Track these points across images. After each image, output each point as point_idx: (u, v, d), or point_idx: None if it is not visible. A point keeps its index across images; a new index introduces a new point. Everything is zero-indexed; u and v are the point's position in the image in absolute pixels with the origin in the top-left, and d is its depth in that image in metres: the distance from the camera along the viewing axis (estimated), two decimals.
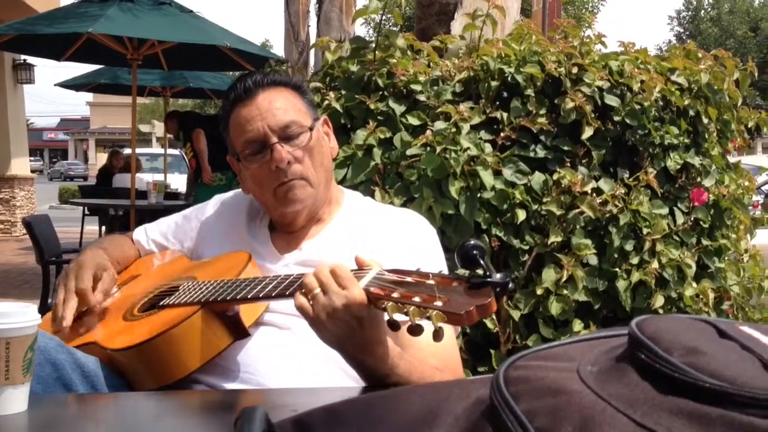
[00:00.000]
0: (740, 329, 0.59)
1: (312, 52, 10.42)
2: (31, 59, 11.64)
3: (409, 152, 2.33)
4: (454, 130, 2.31)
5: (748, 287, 2.83)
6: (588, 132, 2.41)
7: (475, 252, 0.98)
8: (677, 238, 2.56)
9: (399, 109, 2.40)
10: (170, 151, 15.29)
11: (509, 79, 2.45)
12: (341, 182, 2.25)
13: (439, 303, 0.96)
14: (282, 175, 1.42)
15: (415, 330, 0.98)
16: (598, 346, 0.64)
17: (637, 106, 2.49)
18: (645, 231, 2.43)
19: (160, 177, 10.96)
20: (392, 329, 1.02)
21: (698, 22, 34.69)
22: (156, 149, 24.93)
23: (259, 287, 1.23)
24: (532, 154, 2.41)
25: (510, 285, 0.98)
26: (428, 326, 0.98)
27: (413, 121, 2.39)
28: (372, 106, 2.41)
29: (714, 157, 2.73)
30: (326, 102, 2.44)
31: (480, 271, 0.98)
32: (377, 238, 1.41)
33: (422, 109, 2.43)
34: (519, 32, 2.69)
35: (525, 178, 2.38)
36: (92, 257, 1.49)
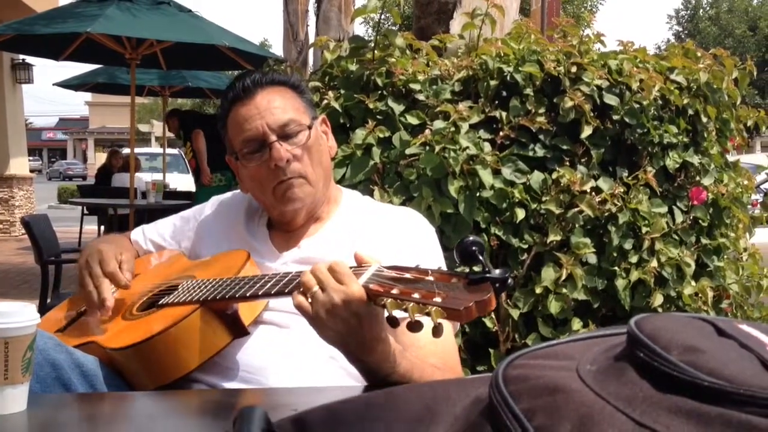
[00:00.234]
0: (739, 328, 0.59)
1: (311, 51, 10.43)
2: (29, 59, 11.63)
3: (408, 151, 2.33)
4: (453, 129, 2.31)
5: (747, 286, 2.83)
6: (587, 131, 2.41)
7: (474, 248, 0.98)
8: (676, 237, 2.56)
9: (398, 108, 2.40)
10: (169, 150, 15.30)
11: (508, 78, 2.45)
12: (340, 181, 2.25)
13: (438, 299, 0.96)
14: (281, 174, 1.42)
15: (415, 326, 0.98)
16: (597, 344, 0.64)
17: (636, 105, 2.49)
18: (644, 230, 2.44)
19: (159, 176, 10.96)
20: (391, 326, 1.02)
21: (697, 21, 34.72)
22: (155, 149, 24.94)
23: (258, 285, 1.23)
24: (531, 153, 2.41)
25: (509, 281, 0.98)
26: (428, 323, 0.98)
27: (412, 120, 2.39)
28: (371, 106, 2.41)
29: (713, 156, 2.73)
30: (325, 101, 2.44)
31: (479, 267, 0.98)
32: (376, 236, 1.41)
33: (421, 108, 2.43)
34: (518, 31, 2.69)
35: (524, 177, 2.38)
36: (106, 244, 1.50)
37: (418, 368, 1.18)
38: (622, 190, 2.43)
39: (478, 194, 2.32)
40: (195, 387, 1.28)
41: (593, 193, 2.40)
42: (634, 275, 2.40)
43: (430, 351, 1.26)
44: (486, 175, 2.31)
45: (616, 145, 2.52)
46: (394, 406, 0.72)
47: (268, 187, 1.44)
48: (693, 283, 2.54)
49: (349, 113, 2.45)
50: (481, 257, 0.98)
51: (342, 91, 2.47)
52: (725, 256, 2.78)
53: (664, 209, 2.52)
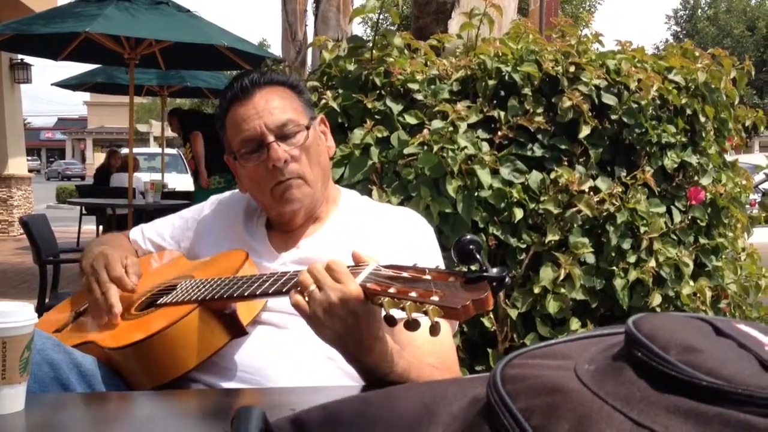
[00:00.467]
0: (737, 327, 0.59)
1: (309, 51, 10.42)
2: (28, 59, 11.62)
3: (406, 151, 2.33)
4: (451, 128, 2.31)
5: (745, 285, 2.83)
6: (585, 131, 2.41)
7: (471, 247, 0.98)
8: (674, 237, 2.56)
9: (396, 108, 2.40)
10: (168, 150, 15.30)
11: (506, 77, 2.45)
12: (338, 181, 2.25)
13: (435, 298, 0.96)
14: (279, 174, 1.42)
15: (412, 325, 0.98)
16: (595, 344, 0.64)
17: (635, 105, 2.49)
18: (642, 229, 2.44)
19: (157, 176, 10.95)
20: (389, 324, 1.02)
21: (695, 21, 34.75)
22: (153, 149, 24.94)
23: (256, 285, 1.23)
24: (529, 153, 2.41)
25: (507, 280, 0.98)
26: (425, 322, 0.97)
27: (410, 120, 2.39)
28: (369, 105, 2.41)
29: (711, 156, 2.74)
30: (323, 101, 2.44)
31: (477, 266, 0.98)
32: (375, 236, 1.41)
33: (419, 108, 2.43)
34: (516, 31, 2.69)
35: (522, 176, 2.38)
36: (111, 248, 1.49)
37: (415, 368, 1.18)
38: (620, 189, 2.43)
39: (476, 194, 2.32)
40: (193, 387, 1.28)
41: (591, 193, 2.40)
42: (633, 275, 2.40)
43: (427, 350, 1.26)
44: (484, 175, 2.31)
45: (614, 144, 2.52)
46: (392, 405, 0.72)
47: (266, 187, 1.44)
48: (691, 282, 2.54)
49: (347, 113, 2.45)
50: (478, 256, 0.98)
51: (340, 91, 2.47)
52: (723, 256, 2.78)
53: (662, 209, 2.52)
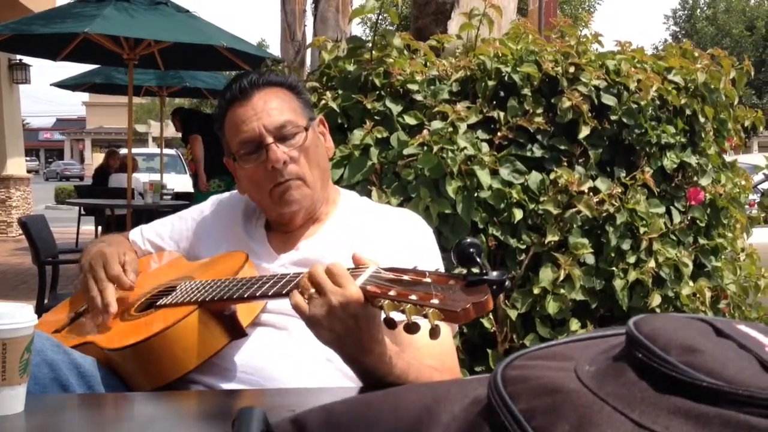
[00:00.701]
0: (737, 328, 0.59)
1: (308, 51, 10.42)
2: (26, 59, 11.62)
3: (405, 152, 2.33)
4: (451, 129, 2.31)
5: (745, 286, 2.83)
6: (585, 131, 2.41)
7: (471, 250, 0.98)
8: (674, 237, 2.57)
9: (396, 108, 2.40)
10: (166, 150, 15.31)
11: (506, 78, 2.45)
12: (338, 182, 2.24)
13: (435, 301, 0.96)
14: (278, 176, 1.41)
15: (412, 328, 0.98)
16: (595, 345, 0.64)
17: (634, 105, 2.49)
18: (642, 230, 2.44)
19: (156, 177, 10.95)
20: (389, 327, 1.02)
21: (694, 21, 34.75)
22: (152, 149, 24.93)
23: (256, 286, 1.23)
24: (529, 154, 2.41)
25: (507, 283, 0.98)
26: (425, 325, 0.98)
27: (410, 120, 2.39)
28: (369, 106, 2.41)
29: (710, 156, 2.74)
30: (323, 102, 2.43)
31: (477, 269, 0.98)
32: (374, 237, 1.41)
33: (419, 108, 2.43)
34: (516, 32, 2.69)
35: (522, 177, 2.38)
36: (109, 245, 1.49)
37: (414, 368, 1.18)
38: (619, 190, 2.43)
39: (476, 194, 2.32)
40: (193, 388, 1.28)
41: (591, 194, 2.40)
42: (632, 275, 2.40)
43: (427, 352, 1.26)
44: (484, 176, 2.31)
45: (613, 145, 2.52)
46: (392, 406, 0.72)
47: (265, 188, 1.44)
48: (691, 283, 2.54)
49: (346, 113, 2.45)
50: (478, 259, 0.98)
51: (340, 92, 2.47)
52: (723, 257, 2.78)
53: (661, 209, 2.52)
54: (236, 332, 1.28)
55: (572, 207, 2.37)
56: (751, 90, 27.96)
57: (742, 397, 0.50)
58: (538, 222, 2.40)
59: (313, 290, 1.08)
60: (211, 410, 1.14)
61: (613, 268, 2.41)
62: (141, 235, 1.67)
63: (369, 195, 2.21)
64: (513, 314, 2.33)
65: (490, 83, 2.45)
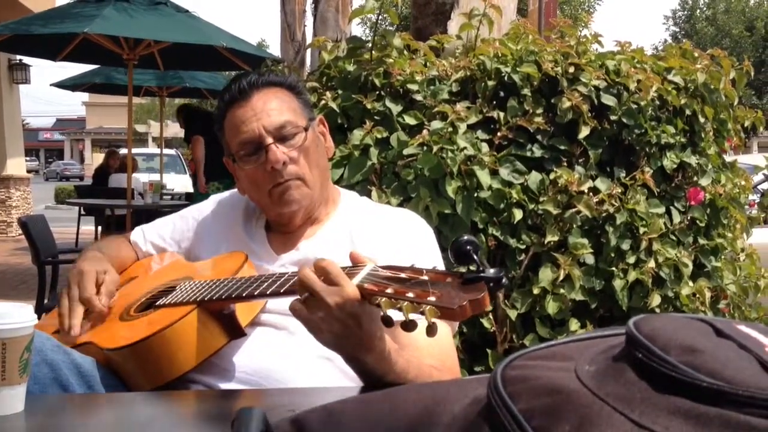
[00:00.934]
0: (737, 328, 0.59)
1: (308, 51, 10.43)
2: (26, 59, 11.62)
3: (405, 152, 2.33)
4: (450, 129, 2.31)
5: (745, 286, 2.83)
6: (585, 131, 2.41)
7: (468, 247, 0.98)
8: (674, 238, 2.57)
9: (396, 108, 2.40)
10: (166, 150, 15.31)
11: (506, 78, 2.45)
12: (338, 182, 2.24)
13: (432, 298, 0.96)
14: (278, 176, 1.41)
15: (409, 325, 0.98)
16: (595, 345, 0.64)
17: (634, 106, 2.49)
18: (642, 230, 2.44)
19: (156, 177, 10.95)
20: (386, 325, 1.02)
21: (694, 22, 34.76)
22: (152, 149, 24.93)
23: (254, 286, 1.23)
24: (528, 154, 2.41)
25: (504, 280, 0.98)
26: (422, 323, 0.98)
27: (410, 120, 2.39)
28: (369, 106, 2.41)
29: (710, 156, 2.74)
30: (323, 102, 2.43)
31: (474, 267, 0.98)
32: (374, 237, 1.41)
33: (419, 108, 2.43)
34: (515, 32, 2.69)
35: (522, 177, 2.38)
36: (91, 262, 1.48)
37: (414, 367, 1.18)
38: (619, 190, 2.43)
39: (475, 195, 2.32)
40: (192, 388, 1.28)
41: (591, 194, 2.40)
42: (632, 276, 2.40)
43: (427, 352, 1.26)
44: (484, 176, 2.31)
45: (613, 145, 2.52)
46: (393, 406, 0.72)
47: (264, 189, 1.44)
48: (690, 283, 2.54)
49: (346, 114, 2.45)
50: (475, 256, 0.98)
51: (339, 92, 2.47)
52: (723, 257, 2.78)
53: (661, 210, 2.52)
54: (235, 332, 1.28)
55: (572, 207, 2.37)
56: (751, 90, 27.97)
57: (742, 397, 0.50)
58: (538, 222, 2.40)
59: (307, 293, 1.08)
60: (210, 410, 1.14)
61: (613, 269, 2.41)
62: (143, 236, 1.66)
63: (369, 195, 2.21)
64: (513, 314, 2.33)
65: (490, 83, 2.45)
